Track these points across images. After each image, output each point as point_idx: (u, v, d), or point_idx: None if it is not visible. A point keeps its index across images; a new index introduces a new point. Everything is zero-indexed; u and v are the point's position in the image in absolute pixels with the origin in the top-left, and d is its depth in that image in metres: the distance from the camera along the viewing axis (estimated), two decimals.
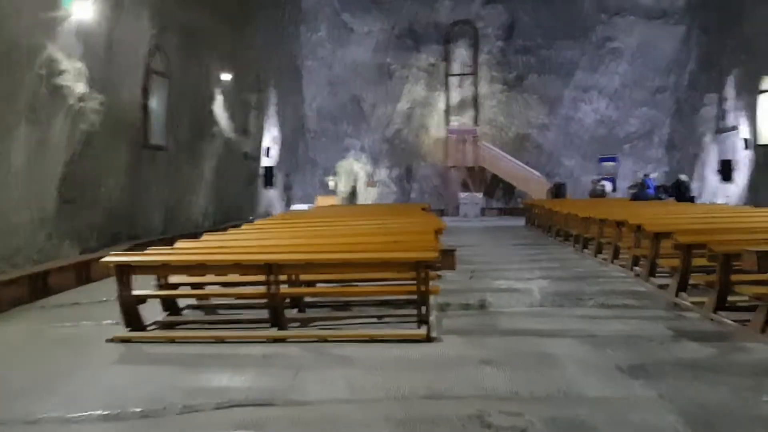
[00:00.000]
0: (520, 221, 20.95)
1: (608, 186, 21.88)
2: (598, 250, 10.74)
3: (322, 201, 23.31)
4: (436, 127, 27.90)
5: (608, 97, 27.01)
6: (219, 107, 16.15)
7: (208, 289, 7.36)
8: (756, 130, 18.54)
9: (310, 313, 6.86)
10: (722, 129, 21.54)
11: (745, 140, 19.04)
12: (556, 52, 27.06)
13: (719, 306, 6.38)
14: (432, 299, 6.37)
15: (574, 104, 27.27)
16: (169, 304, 6.83)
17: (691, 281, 7.23)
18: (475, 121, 27.09)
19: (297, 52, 25.77)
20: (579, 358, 5.03)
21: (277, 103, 21.85)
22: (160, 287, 6.67)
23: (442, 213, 25.70)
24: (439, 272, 8.08)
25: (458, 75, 27.42)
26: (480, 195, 25.29)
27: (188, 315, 7.05)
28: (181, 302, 7.07)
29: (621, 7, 26.32)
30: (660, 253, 8.09)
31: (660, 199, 17.33)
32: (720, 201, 20.35)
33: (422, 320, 5.97)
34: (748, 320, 6.01)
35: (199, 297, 7.11)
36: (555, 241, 14.04)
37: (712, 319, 6.34)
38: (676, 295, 7.28)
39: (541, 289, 8.03)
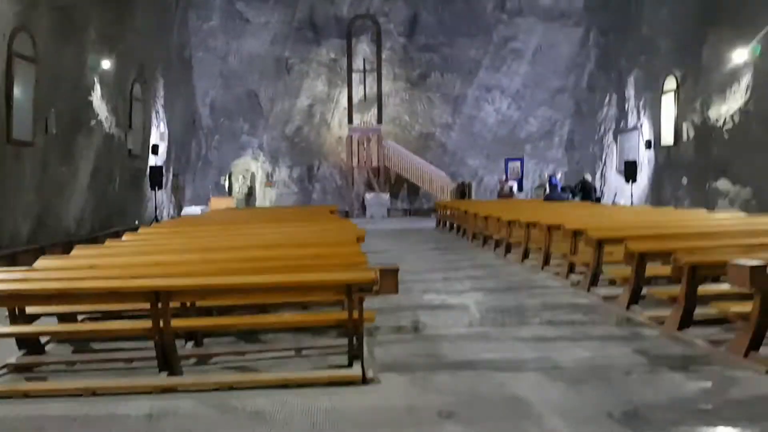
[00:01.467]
0: (429, 223, 20.21)
1: (515, 186, 21.57)
2: (525, 256, 9.98)
3: (217, 203, 21.61)
4: (338, 125, 26.78)
5: (510, 97, 26.89)
6: (98, 98, 14.24)
7: (77, 322, 5.86)
8: (658, 131, 18.72)
9: (210, 346, 5.54)
10: (623, 129, 21.77)
11: (648, 141, 19.21)
12: (458, 50, 26.64)
13: (684, 323, 5.64)
14: None
15: (477, 104, 26.96)
16: (27, 340, 5.31)
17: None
18: (379, 119, 26.19)
19: (186, 41, 23.83)
20: (558, 404, 4.04)
21: (164, 96, 19.95)
22: (12, 320, 5.15)
23: (346, 215, 24.64)
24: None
25: (360, 71, 26.40)
26: (387, 195, 24.41)
27: (52, 353, 5.54)
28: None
29: (521, 8, 26.24)
30: (602, 260, 7.36)
31: (568, 199, 17.08)
32: (622, 201, 20.51)
33: (354, 355, 4.82)
34: (719, 340, 5.32)
35: (61, 335, 5.59)
36: (472, 245, 13.27)
37: (676, 338, 5.59)
38: (628, 308, 6.53)
39: (477, 305, 7.08)
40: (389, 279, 4.61)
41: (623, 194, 20.99)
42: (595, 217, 9.65)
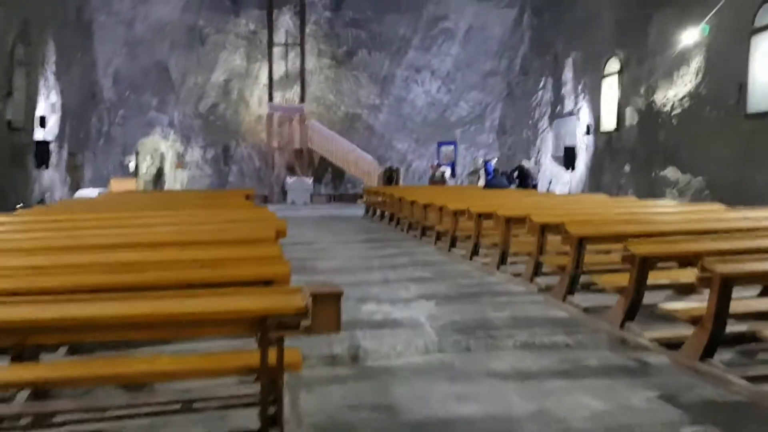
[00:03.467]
0: (355, 210, 18.60)
1: (448, 171, 20.26)
2: (475, 252, 8.54)
3: (119, 185, 19.29)
4: (257, 103, 24.72)
5: (440, 79, 25.59)
6: None
7: None
8: (599, 116, 17.78)
9: (56, 398, 3.74)
10: (560, 114, 20.82)
11: (588, 126, 18.26)
12: (387, 27, 25.07)
13: (708, 351, 4.30)
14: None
15: (406, 85, 25.53)
16: None
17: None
18: (302, 98, 24.31)
19: (85, 1, 21.13)
20: None
21: (56, 62, 17.39)
22: None
23: (265, 200, 22.72)
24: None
25: (282, 45, 24.39)
26: (310, 180, 22.62)
27: None
28: None
29: None
30: (582, 262, 5.97)
31: (509, 187, 15.87)
32: (558, 189, 19.57)
33: (270, 418, 3.16)
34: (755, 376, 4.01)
35: None
36: (408, 237, 11.75)
37: (701, 372, 4.23)
38: (622, 327, 5.14)
39: (431, 319, 5.52)
40: (327, 309, 2.96)
41: (559, 181, 20.05)
42: (561, 208, 8.31)
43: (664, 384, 4.12)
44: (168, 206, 9.03)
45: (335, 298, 3.01)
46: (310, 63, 24.78)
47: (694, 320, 4.33)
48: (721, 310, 4.18)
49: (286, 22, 24.61)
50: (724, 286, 4.15)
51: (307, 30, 24.49)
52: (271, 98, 24.09)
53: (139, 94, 24.10)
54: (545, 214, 7.05)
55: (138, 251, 4.56)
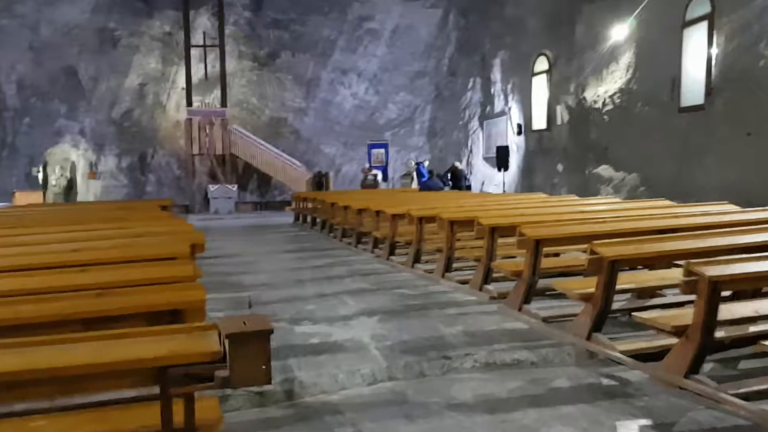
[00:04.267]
0: (284, 217, 17.72)
1: (380, 175, 19.65)
2: (416, 259, 7.89)
3: (23, 199, 17.72)
4: (175, 108, 23.46)
5: (368, 80, 24.98)
6: None
7: None
8: (529, 115, 17.59)
9: None
10: (490, 115, 20.60)
11: (519, 125, 18.05)
12: (311, 28, 24.28)
13: (694, 366, 3.77)
14: None
15: (332, 87, 24.78)
16: None
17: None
18: (223, 102, 23.17)
19: None
20: None
21: None
22: None
23: (187, 210, 21.50)
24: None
25: (200, 47, 23.20)
26: (234, 187, 21.53)
27: None
28: None
29: None
30: (539, 268, 5.40)
31: (443, 189, 15.38)
32: (491, 189, 19.30)
33: None
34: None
35: None
36: (342, 244, 11.02)
37: (688, 390, 3.70)
38: (589, 338, 4.59)
39: (376, 339, 4.82)
40: (252, 352, 2.19)
41: (491, 182, 19.80)
42: (508, 209, 7.76)
43: (651, 408, 3.56)
44: (72, 220, 8.00)
45: (262, 337, 2.26)
46: (231, 65, 23.70)
47: (678, 331, 3.79)
48: (709, 319, 3.66)
49: (203, 23, 23.47)
50: (713, 291, 3.63)
51: (227, 31, 23.41)
52: (189, 103, 22.85)
53: (46, 101, 22.42)
54: (493, 215, 6.47)
55: (14, 278, 3.66)
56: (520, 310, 5.44)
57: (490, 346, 4.64)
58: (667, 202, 7.78)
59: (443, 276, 7.07)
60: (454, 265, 7.20)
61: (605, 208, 7.49)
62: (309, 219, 14.72)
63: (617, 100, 13.86)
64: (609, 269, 4.40)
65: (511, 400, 3.77)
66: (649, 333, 4.54)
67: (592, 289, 4.62)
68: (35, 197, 18.46)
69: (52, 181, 23.90)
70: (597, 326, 4.60)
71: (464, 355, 4.46)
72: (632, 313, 4.40)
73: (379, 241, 9.25)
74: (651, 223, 5.66)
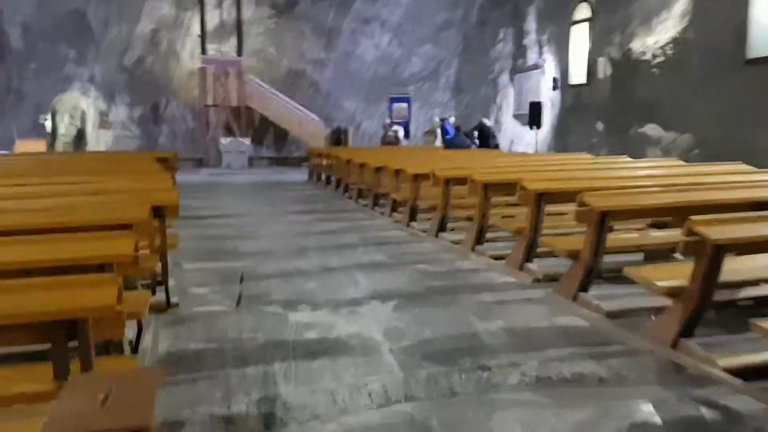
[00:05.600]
0: (299, 174, 16.61)
1: (401, 132, 18.37)
2: (442, 227, 6.73)
3: (25, 147, 16.76)
4: (189, 57, 22.22)
5: (391, 31, 23.47)
6: None
7: None
8: (566, 69, 16.11)
9: None
10: (522, 68, 19.10)
11: (554, 80, 16.59)
12: None
13: None
14: None
15: (353, 38, 23.33)
16: None
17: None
18: (239, 52, 21.90)
19: None
20: None
21: None
22: None
23: (200, 163, 20.49)
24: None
25: None
26: (247, 141, 20.40)
27: None
28: None
29: None
30: (603, 246, 4.21)
31: (470, 147, 14.13)
32: (520, 148, 17.95)
33: None
34: None
35: None
36: (358, 206, 9.87)
37: None
38: (675, 346, 3.43)
39: (391, 336, 3.70)
40: None
41: (521, 141, 18.43)
42: (550, 170, 6.55)
43: None
44: (54, 171, 6.98)
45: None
46: (248, 13, 22.35)
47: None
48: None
49: None
50: None
51: None
52: (204, 51, 21.63)
53: (53, 46, 21.29)
54: (540, 178, 5.27)
55: None
56: (575, 299, 4.28)
57: (541, 351, 3.51)
58: (746, 167, 6.49)
59: (473, 249, 5.91)
60: (488, 235, 6.03)
61: (673, 173, 6.23)
62: (324, 177, 13.57)
63: (669, 52, 12.38)
64: (713, 255, 3.21)
65: None
66: (757, 339, 3.39)
67: (681, 281, 3.44)
68: (38, 146, 17.50)
69: (61, 129, 22.90)
70: (687, 330, 3.44)
71: (508, 365, 3.33)
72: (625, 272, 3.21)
73: (399, 204, 8.09)
74: (746, 194, 4.42)
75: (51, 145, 21.62)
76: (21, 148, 16.86)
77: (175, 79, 22.31)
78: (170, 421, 2.73)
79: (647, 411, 2.96)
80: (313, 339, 3.67)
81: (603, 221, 4.12)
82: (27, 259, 2.45)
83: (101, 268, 2.61)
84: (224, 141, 19.94)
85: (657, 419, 2.89)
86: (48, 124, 21.69)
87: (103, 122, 22.20)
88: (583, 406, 2.98)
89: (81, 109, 22.70)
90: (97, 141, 22.31)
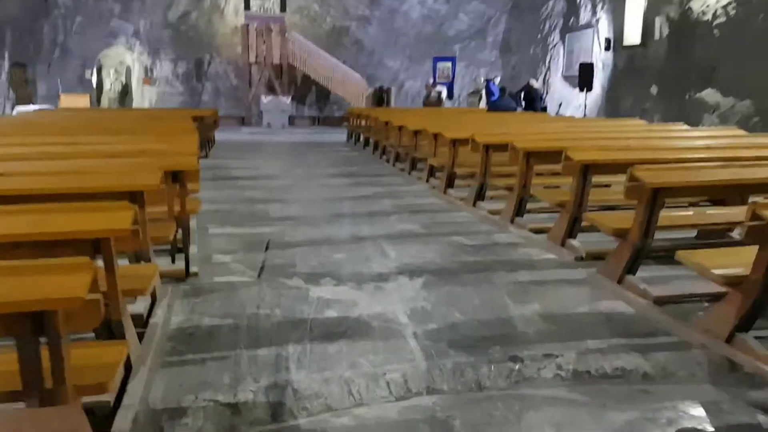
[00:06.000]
0: (339, 135, 16.32)
1: (444, 92, 17.85)
2: (480, 196, 6.41)
3: (69, 102, 16.87)
4: (233, 12, 21.96)
5: None
6: None
7: None
8: (620, 28, 15.30)
9: None
10: (573, 28, 18.26)
11: (607, 40, 15.79)
12: None
13: None
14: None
15: None
16: None
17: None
18: (282, 7, 21.50)
19: None
20: None
21: None
22: None
23: (242, 122, 20.41)
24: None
25: None
26: (288, 100, 20.16)
27: None
28: None
29: None
30: (654, 223, 3.84)
31: (516, 109, 13.59)
32: (569, 112, 17.27)
33: None
34: None
35: None
36: (395, 170, 9.57)
37: None
38: (729, 340, 3.08)
39: (416, 319, 3.44)
40: None
41: (570, 104, 17.73)
42: (600, 138, 6.12)
43: None
44: (85, 129, 6.87)
45: None
46: None
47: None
48: None
49: None
50: None
51: None
52: (247, 7, 21.30)
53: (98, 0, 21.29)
54: (587, 148, 4.88)
55: None
56: (620, 282, 3.93)
57: (579, 341, 3.20)
58: None
59: (512, 221, 5.58)
60: (528, 206, 5.68)
61: (734, 143, 5.73)
62: (363, 139, 13.26)
63: (731, 11, 11.56)
64: None
65: None
66: None
67: (742, 269, 3.07)
68: (82, 101, 17.57)
69: (107, 85, 23.09)
70: (745, 324, 3.09)
71: (542, 357, 3.04)
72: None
73: (436, 169, 7.76)
74: None
75: (97, 100, 21.80)
76: (65, 102, 16.97)
77: (218, 36, 22.11)
78: (171, 408, 2.54)
79: (697, 415, 2.65)
80: (332, 318, 3.44)
81: (655, 198, 3.75)
82: (12, 232, 2.26)
83: (96, 243, 2.40)
84: (265, 100, 19.74)
85: (707, 426, 2.58)
86: (93, 80, 21.84)
87: (148, 78, 22.24)
88: (624, 407, 2.69)
89: (126, 64, 22.79)
90: (142, 97, 22.41)
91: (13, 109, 16.30)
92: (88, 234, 2.30)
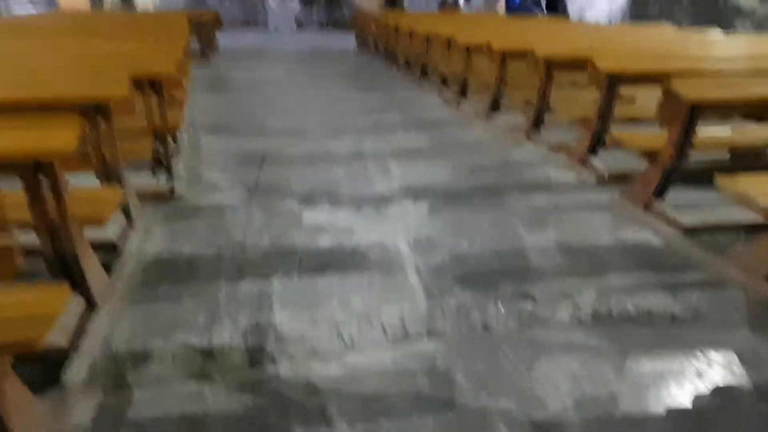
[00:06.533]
0: (348, 40, 15.53)
1: None
2: (495, 108, 5.93)
3: (70, 2, 16.09)
4: None
5: None
6: None
7: None
8: None
9: None
10: None
11: None
12: None
13: None
14: None
15: None
16: None
17: None
18: None
19: None
20: None
21: None
22: None
23: (248, 25, 19.53)
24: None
25: None
26: (296, 3, 19.18)
27: None
28: None
29: None
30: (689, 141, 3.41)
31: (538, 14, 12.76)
32: (594, 17, 16.29)
33: None
34: None
35: None
36: (405, 79, 8.99)
37: None
38: None
39: (418, 249, 3.10)
40: None
41: (593, 8, 16.70)
42: (628, 46, 5.56)
43: None
44: (70, 31, 6.38)
45: None
46: None
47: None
48: None
49: None
50: None
51: None
52: None
53: None
54: (614, 56, 4.35)
55: None
56: (647, 208, 3.54)
57: (600, 277, 2.86)
58: None
59: (529, 137, 5.14)
60: (547, 120, 5.22)
61: None
62: (372, 45, 12.56)
63: None
64: None
65: (650, 418, 2.05)
66: None
67: None
68: (83, 2, 16.78)
69: None
70: None
71: (558, 295, 2.70)
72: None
73: (448, 79, 7.23)
74: None
75: (99, 1, 20.89)
76: (65, 3, 16.18)
77: None
78: (135, 353, 2.24)
79: (732, 365, 2.33)
80: (325, 248, 3.10)
81: (692, 116, 3.29)
82: None
83: (38, 165, 2.04)
84: (273, 2, 18.79)
85: (744, 378, 2.26)
86: None
87: None
88: (648, 354, 2.37)
89: None
90: (145, 0, 21.45)
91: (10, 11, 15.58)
92: (23, 156, 1.93)
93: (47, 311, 1.71)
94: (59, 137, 2.02)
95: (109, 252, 2.93)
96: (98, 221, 2.37)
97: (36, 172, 2.03)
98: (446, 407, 2.05)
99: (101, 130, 2.93)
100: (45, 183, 2.15)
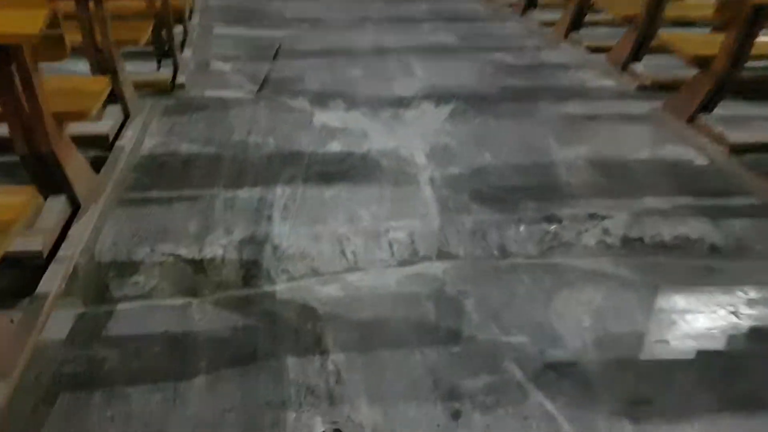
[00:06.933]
0: None
1: None
2: (530, 3, 5.45)
3: None
4: None
5: None
6: None
7: None
8: None
9: None
10: None
11: None
12: None
13: None
14: None
15: None
16: None
17: None
18: None
19: None
20: None
21: None
22: None
23: None
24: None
25: None
26: None
27: None
28: None
29: None
30: None
31: None
32: None
33: None
34: None
35: None
36: None
37: None
38: None
39: (436, 159, 2.84)
40: None
41: None
42: None
43: None
44: None
45: None
46: None
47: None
48: None
49: None
50: None
51: None
52: None
53: None
54: None
55: None
56: (691, 121, 3.21)
57: (634, 199, 2.59)
58: None
59: (566, 36, 4.71)
60: (588, 18, 4.78)
61: None
62: None
63: None
64: None
65: (677, 362, 1.85)
66: None
67: None
68: None
69: None
70: None
71: (586, 217, 2.46)
72: None
73: None
74: None
75: None
76: None
77: None
78: (119, 260, 2.07)
79: None
80: (335, 154, 2.85)
81: (755, 20, 2.90)
82: None
83: (4, 51, 1.79)
84: None
85: None
86: None
87: None
88: (681, 288, 2.14)
89: None
90: None
91: None
92: None
93: (7, 217, 1.51)
94: (25, 18, 1.75)
95: (101, 146, 2.72)
96: (81, 115, 2.14)
97: (5, 61, 1.78)
98: (451, 340, 1.86)
99: (91, 12, 2.65)
100: (16, 74, 1.91)
